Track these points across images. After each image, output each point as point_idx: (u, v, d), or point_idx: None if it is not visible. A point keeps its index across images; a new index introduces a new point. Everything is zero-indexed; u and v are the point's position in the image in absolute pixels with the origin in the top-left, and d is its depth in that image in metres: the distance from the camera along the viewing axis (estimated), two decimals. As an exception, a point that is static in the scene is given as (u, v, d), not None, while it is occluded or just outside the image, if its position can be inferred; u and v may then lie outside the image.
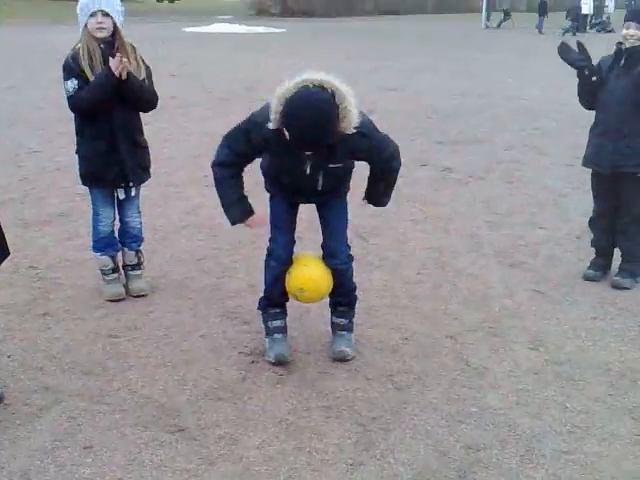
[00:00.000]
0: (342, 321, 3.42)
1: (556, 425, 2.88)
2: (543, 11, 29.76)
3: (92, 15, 3.56)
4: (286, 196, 3.27)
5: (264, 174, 3.30)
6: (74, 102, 3.69)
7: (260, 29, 31.34)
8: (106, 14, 3.57)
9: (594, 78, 4.05)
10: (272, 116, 2.87)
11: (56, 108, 9.00)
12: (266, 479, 2.53)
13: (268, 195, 3.35)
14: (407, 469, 2.60)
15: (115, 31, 3.64)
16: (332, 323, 3.44)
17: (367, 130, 3.01)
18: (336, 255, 3.28)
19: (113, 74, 3.54)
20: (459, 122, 9.47)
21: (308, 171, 3.03)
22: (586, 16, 30.28)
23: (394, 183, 3.32)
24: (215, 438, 2.75)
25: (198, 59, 16.51)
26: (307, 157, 2.98)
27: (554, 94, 11.37)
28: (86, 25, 3.59)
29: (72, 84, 3.66)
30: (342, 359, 3.32)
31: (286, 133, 2.85)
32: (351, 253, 3.37)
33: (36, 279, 4.20)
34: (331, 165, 3.04)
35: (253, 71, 13.89)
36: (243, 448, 2.70)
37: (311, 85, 2.81)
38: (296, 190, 3.21)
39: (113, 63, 3.49)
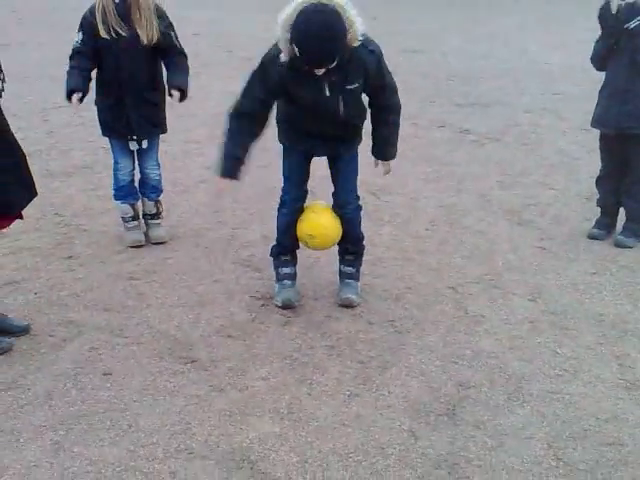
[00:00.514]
0: (349, 269, 3.59)
1: (545, 368, 3.05)
2: None
3: None
4: (301, 148, 3.38)
5: (280, 122, 3.39)
6: (72, 54, 3.86)
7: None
8: None
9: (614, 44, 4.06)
10: (282, 47, 2.96)
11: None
12: (270, 405, 2.74)
13: (281, 147, 3.48)
14: (400, 401, 2.79)
15: None
16: (340, 271, 3.62)
17: (374, 47, 3.10)
18: (345, 205, 3.44)
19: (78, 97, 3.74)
20: (480, 85, 9.47)
21: (327, 92, 3.07)
22: None
23: (397, 127, 3.37)
24: (224, 369, 2.97)
25: (220, 19, 16.51)
26: (324, 78, 3.03)
27: (576, 60, 11.23)
28: None
29: (77, 37, 3.85)
30: (348, 305, 3.51)
31: (297, 52, 2.88)
32: (360, 204, 3.53)
33: (61, 225, 4.43)
34: (348, 86, 3.10)
35: (273, 30, 13.91)
36: (250, 379, 2.91)
37: (315, 3, 2.88)
38: (315, 129, 3.25)
39: None
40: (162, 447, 2.50)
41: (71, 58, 3.86)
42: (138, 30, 3.79)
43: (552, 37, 15.22)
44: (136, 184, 4.19)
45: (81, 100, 3.79)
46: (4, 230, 3.16)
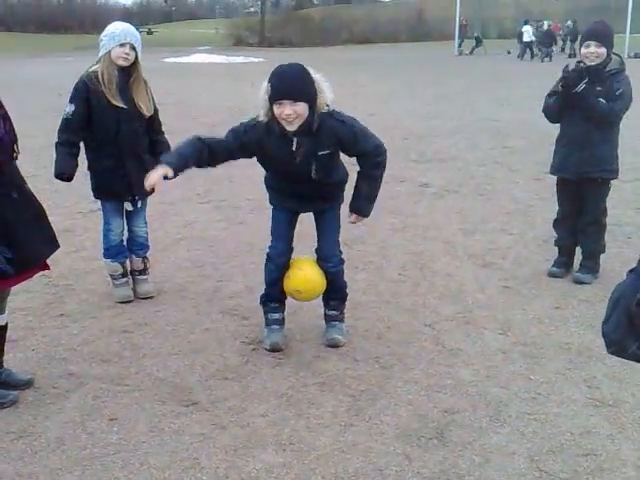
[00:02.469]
0: (334, 313, 3.83)
1: (521, 393, 3.31)
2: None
3: (121, 45, 3.99)
4: (287, 206, 3.65)
5: (267, 187, 3.71)
6: (61, 126, 4.09)
7: (239, 59, 32.06)
8: (133, 47, 4.01)
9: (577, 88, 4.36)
10: (261, 107, 3.31)
11: (48, 136, 9.36)
12: (271, 439, 2.93)
13: (271, 207, 3.75)
14: (392, 428, 3.01)
15: (135, 63, 4.07)
16: (325, 315, 3.85)
17: (345, 118, 3.40)
18: (329, 259, 3.69)
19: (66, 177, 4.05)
20: (434, 142, 10.02)
21: (298, 158, 3.35)
22: (530, 43, 31.31)
23: (378, 185, 3.58)
24: (224, 409, 3.15)
25: (181, 88, 17.03)
26: (296, 143, 3.31)
27: (523, 115, 11.98)
28: (109, 52, 4.01)
29: (69, 108, 4.07)
30: (335, 345, 3.73)
31: (269, 90, 3.21)
32: (343, 257, 3.80)
33: (50, 286, 4.57)
34: (319, 152, 3.37)
35: (236, 99, 14.39)
36: (249, 416, 3.09)
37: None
38: (295, 191, 3.54)
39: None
40: (175, 481, 2.66)
41: (60, 130, 4.09)
42: (140, 102, 4.08)
43: (497, 95, 16.10)
44: (124, 243, 4.38)
45: (70, 179, 4.07)
46: (35, 278, 3.32)
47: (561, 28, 35.16)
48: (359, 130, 3.44)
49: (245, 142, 3.40)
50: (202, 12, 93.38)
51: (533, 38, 31.47)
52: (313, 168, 3.42)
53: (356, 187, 3.62)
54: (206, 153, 3.35)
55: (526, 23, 32.08)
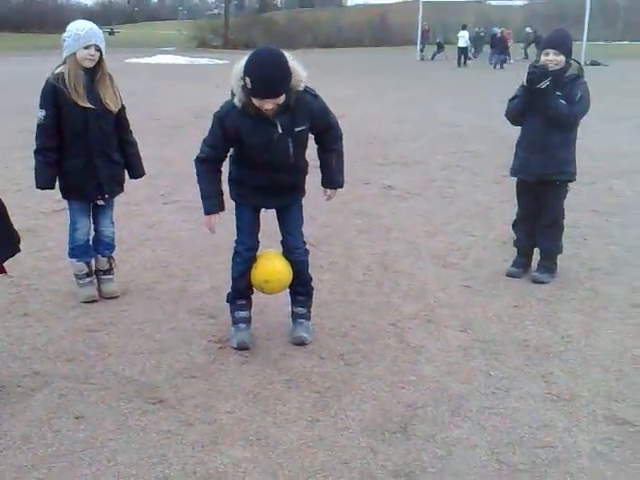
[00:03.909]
0: (301, 310, 3.89)
1: (481, 388, 3.40)
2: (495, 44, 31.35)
3: (86, 47, 3.98)
4: (251, 203, 3.70)
5: (231, 181, 3.73)
6: (37, 132, 4.11)
7: (203, 60, 31.94)
8: (98, 48, 4.01)
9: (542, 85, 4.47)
10: (236, 93, 3.37)
11: (11, 136, 9.30)
12: (238, 435, 2.96)
13: (234, 204, 3.79)
14: (357, 423, 3.07)
15: (100, 62, 4.07)
16: (292, 312, 3.91)
17: (314, 92, 3.54)
18: (295, 249, 3.78)
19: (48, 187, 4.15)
20: (398, 146, 10.16)
21: (280, 131, 3.43)
22: (465, 48, 31.91)
23: (342, 156, 3.75)
24: (191, 406, 3.17)
25: (144, 89, 16.90)
26: (275, 122, 3.41)
27: (483, 121, 12.22)
28: (74, 53, 4.01)
29: (41, 114, 4.08)
30: (301, 343, 3.79)
31: (249, 84, 3.26)
32: (307, 248, 3.86)
33: (12, 286, 4.53)
34: (296, 128, 3.48)
35: (200, 100, 14.35)
36: (216, 413, 3.12)
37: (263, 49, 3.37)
38: (267, 181, 3.59)
39: None
40: (142, 477, 2.68)
41: (36, 137, 4.10)
42: (107, 99, 4.08)
43: (458, 101, 16.36)
44: (90, 242, 4.37)
45: (52, 189, 4.20)
46: None
47: (512, 36, 35.82)
48: (326, 105, 3.63)
49: (226, 128, 3.48)
50: (165, 13, 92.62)
51: (468, 43, 32.02)
52: (291, 146, 3.52)
53: (325, 164, 3.74)
54: (215, 168, 3.63)
55: (464, 28, 32.63)
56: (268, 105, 3.33)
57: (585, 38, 32.94)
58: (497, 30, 33.99)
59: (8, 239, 3.18)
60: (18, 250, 3.26)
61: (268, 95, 3.32)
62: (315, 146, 3.75)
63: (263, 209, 3.77)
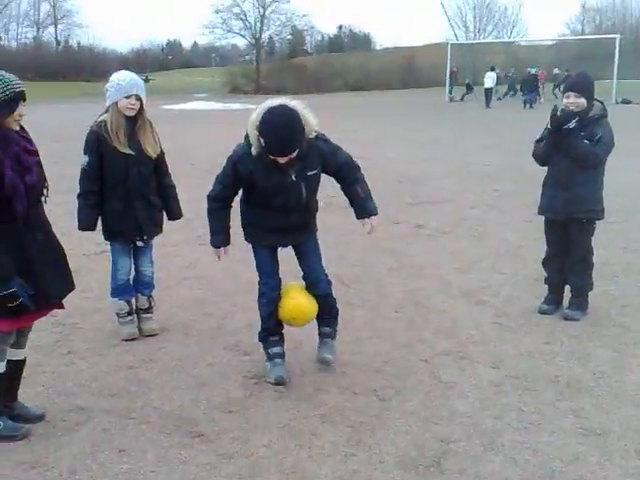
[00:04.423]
0: (326, 329, 4.04)
1: (514, 423, 3.45)
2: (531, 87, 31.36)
3: (127, 97, 4.22)
4: (267, 244, 3.86)
5: (245, 226, 3.91)
6: (81, 176, 4.36)
7: (236, 106, 32.66)
8: (139, 98, 4.25)
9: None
10: (252, 142, 3.56)
11: (51, 182, 9.57)
12: (275, 468, 3.05)
13: (250, 247, 3.95)
14: (391, 457, 3.14)
15: (141, 110, 4.30)
16: (319, 331, 4.06)
17: (324, 137, 3.73)
18: (318, 282, 3.93)
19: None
20: (427, 186, 10.29)
21: (293, 178, 3.63)
22: (490, 89, 32.06)
23: (365, 182, 3.86)
24: (229, 440, 3.28)
25: (180, 134, 17.36)
26: (288, 168, 3.59)
27: (512, 159, 12.31)
28: (116, 102, 4.24)
29: (85, 160, 4.33)
30: (325, 363, 3.96)
31: (263, 143, 3.47)
32: (329, 278, 4.01)
33: (56, 325, 4.71)
34: (309, 172, 3.68)
35: (233, 144, 14.68)
36: (253, 446, 3.22)
37: (276, 106, 3.54)
38: (280, 223, 3.74)
39: None
40: (183, 507, 2.78)
41: (80, 180, 4.35)
42: (147, 146, 4.30)
43: (487, 140, 16.49)
44: (131, 282, 4.55)
45: (93, 231, 4.44)
46: (42, 318, 3.47)
47: (546, 76, 36.01)
48: (336, 145, 3.81)
49: (239, 172, 3.68)
50: (198, 60, 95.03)
51: (493, 85, 32.18)
52: (304, 190, 3.70)
53: (352, 197, 3.86)
54: (226, 206, 3.86)
55: (492, 70, 32.85)
56: (282, 160, 3.55)
57: (615, 76, 33.00)
58: (532, 70, 34.16)
59: (67, 278, 3.36)
60: (74, 287, 3.44)
61: (282, 154, 3.53)
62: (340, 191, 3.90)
63: (280, 247, 3.94)
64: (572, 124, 4.56)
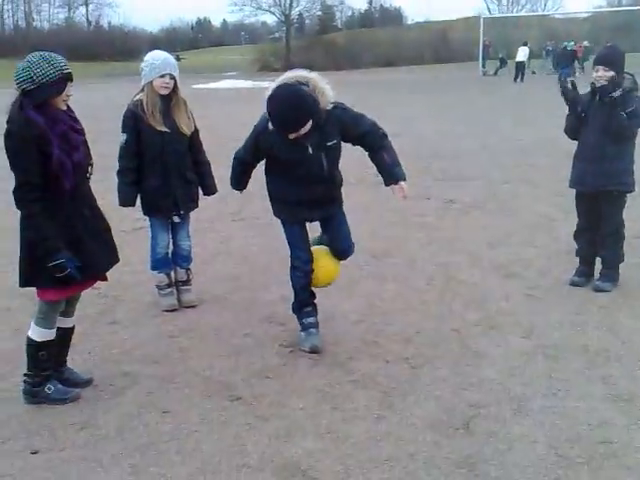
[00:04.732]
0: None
1: (542, 389, 3.54)
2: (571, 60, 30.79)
3: (162, 76, 4.35)
4: (296, 218, 3.96)
5: (272, 199, 4.03)
6: (119, 154, 4.50)
7: (266, 84, 32.59)
8: (172, 76, 4.37)
9: (582, 114, 4.78)
10: (268, 121, 3.67)
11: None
12: (310, 429, 3.20)
13: (280, 222, 4.07)
14: (421, 420, 3.26)
15: (175, 89, 4.43)
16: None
17: (343, 105, 3.78)
18: (346, 251, 4.13)
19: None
20: (459, 162, 10.29)
21: (311, 150, 3.71)
22: (522, 63, 31.47)
23: (392, 149, 3.87)
24: (266, 403, 3.43)
25: (211, 114, 17.51)
26: (306, 140, 3.67)
27: (546, 134, 12.20)
28: (151, 82, 4.38)
29: (122, 138, 4.48)
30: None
31: (270, 120, 3.61)
32: (353, 242, 4.15)
33: (100, 297, 4.91)
34: (328, 143, 3.75)
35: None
36: (290, 409, 3.37)
37: (287, 82, 3.63)
38: (306, 195, 3.84)
39: None
40: (225, 464, 2.94)
41: (119, 158, 4.50)
42: (181, 124, 4.43)
43: (521, 115, 16.32)
44: (169, 255, 4.71)
45: (133, 206, 4.59)
46: (87, 290, 3.67)
47: (583, 50, 35.26)
48: (357, 113, 3.85)
49: (260, 143, 3.82)
50: (228, 38, 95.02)
51: (525, 59, 31.66)
52: (324, 161, 3.79)
53: (378, 163, 3.89)
54: (246, 169, 4.07)
55: (525, 45, 32.33)
56: (292, 136, 3.64)
57: (652, 48, 32.22)
58: (568, 45, 33.45)
59: (112, 251, 3.53)
60: (118, 260, 3.60)
61: (287, 132, 3.64)
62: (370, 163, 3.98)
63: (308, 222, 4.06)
64: (617, 93, 4.57)
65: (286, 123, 3.61)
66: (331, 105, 3.71)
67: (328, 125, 3.73)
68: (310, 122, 3.62)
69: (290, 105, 3.56)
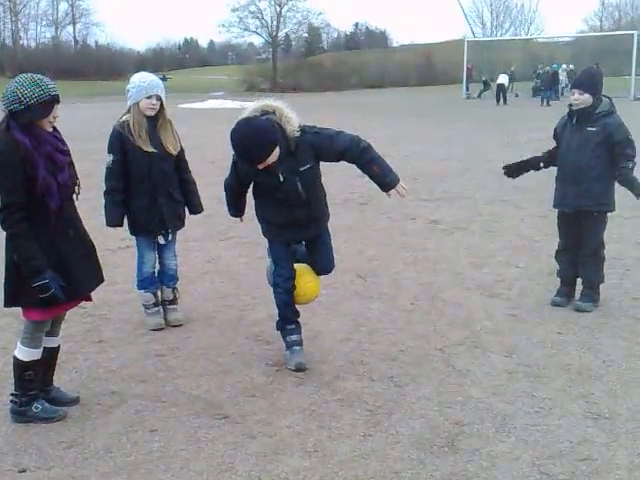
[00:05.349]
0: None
1: (525, 407, 3.60)
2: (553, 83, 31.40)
3: (148, 97, 4.41)
4: (282, 239, 4.04)
5: (260, 221, 4.10)
6: (106, 175, 4.54)
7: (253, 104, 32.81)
8: (159, 98, 4.44)
9: (542, 165, 5.18)
10: None
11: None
12: (297, 447, 3.23)
13: (267, 241, 4.16)
14: (407, 438, 3.31)
15: (161, 109, 4.49)
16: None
17: (314, 129, 3.83)
18: (329, 270, 4.22)
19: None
20: (443, 183, 10.43)
21: (282, 178, 3.78)
22: (502, 85, 32.06)
23: (380, 159, 3.87)
24: (253, 421, 3.46)
25: (197, 133, 17.60)
26: (278, 167, 3.74)
27: (529, 156, 12.37)
28: (137, 103, 4.44)
29: (109, 158, 4.52)
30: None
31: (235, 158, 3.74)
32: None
33: (86, 315, 4.92)
34: (301, 168, 3.81)
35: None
36: (276, 427, 3.41)
37: (249, 115, 3.72)
38: (289, 219, 3.91)
39: None
40: (212, 482, 2.97)
41: (105, 179, 4.54)
42: (167, 144, 4.49)
43: (504, 137, 16.56)
44: (156, 274, 4.75)
45: (120, 226, 4.62)
46: (72, 309, 3.71)
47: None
48: (333, 133, 3.89)
49: (239, 170, 3.93)
50: (215, 59, 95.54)
51: (506, 82, 32.35)
52: (299, 185, 3.84)
53: (370, 176, 3.93)
54: (236, 193, 4.15)
55: (504, 72, 33.55)
56: (260, 166, 3.72)
57: (634, 73, 32.81)
58: (556, 68, 34.02)
59: (97, 271, 3.56)
60: (103, 280, 3.63)
61: (251, 164, 3.73)
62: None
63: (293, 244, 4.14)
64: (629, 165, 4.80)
65: (248, 156, 3.71)
66: (298, 131, 3.76)
67: (299, 151, 3.78)
68: (277, 151, 3.68)
69: (249, 139, 3.63)
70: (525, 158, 5.23)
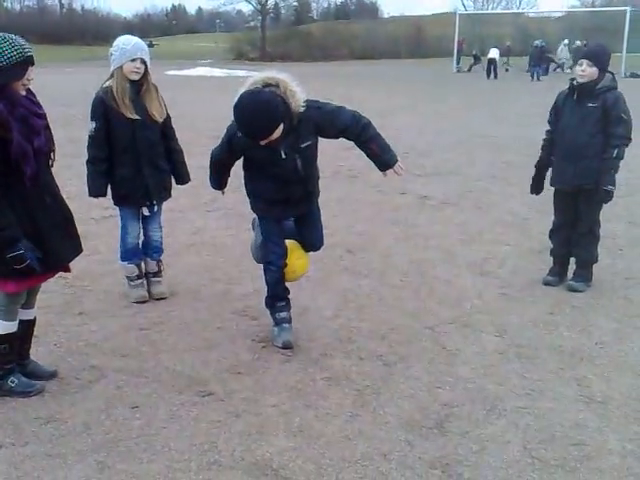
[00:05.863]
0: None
1: (516, 389, 3.53)
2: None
3: (132, 60, 4.22)
4: (272, 215, 3.90)
5: (249, 195, 3.95)
6: (88, 143, 4.37)
7: (240, 72, 32.36)
8: (143, 61, 4.25)
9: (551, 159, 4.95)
10: None
11: (58, 144, 9.55)
12: (283, 426, 3.14)
13: (255, 216, 4.03)
14: (395, 419, 3.22)
15: (145, 74, 4.31)
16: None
17: (317, 104, 3.66)
18: (317, 246, 4.12)
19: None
20: (433, 157, 10.29)
21: (283, 154, 3.63)
22: (494, 59, 31.76)
23: (380, 137, 3.76)
24: (238, 399, 3.36)
25: (184, 101, 17.29)
26: (279, 143, 3.58)
27: (521, 131, 12.28)
28: (121, 67, 4.25)
29: (91, 126, 4.34)
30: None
31: (239, 133, 3.54)
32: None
33: (67, 286, 4.78)
34: (302, 145, 3.66)
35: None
36: (262, 406, 3.31)
37: (253, 88, 3.53)
38: (282, 195, 3.78)
39: None
40: (195, 462, 2.87)
41: (88, 147, 4.37)
42: (153, 110, 4.32)
43: (495, 112, 16.42)
44: (140, 246, 4.60)
45: (104, 196, 4.46)
46: (52, 279, 3.56)
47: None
48: (334, 107, 3.74)
49: (234, 145, 3.73)
50: (203, 26, 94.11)
51: (496, 56, 32.05)
52: (298, 162, 3.70)
53: (368, 153, 3.81)
54: (223, 168, 3.99)
55: (495, 47, 33.03)
56: (262, 142, 3.54)
57: (625, 50, 32.63)
58: (537, 42, 33.66)
59: (75, 241, 3.41)
60: (81, 250, 3.49)
61: (255, 140, 3.54)
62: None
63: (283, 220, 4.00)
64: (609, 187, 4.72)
65: (253, 132, 3.52)
66: (303, 107, 3.58)
67: (302, 127, 3.63)
68: (281, 127, 3.51)
69: (256, 114, 3.44)
70: (535, 172, 5.04)
